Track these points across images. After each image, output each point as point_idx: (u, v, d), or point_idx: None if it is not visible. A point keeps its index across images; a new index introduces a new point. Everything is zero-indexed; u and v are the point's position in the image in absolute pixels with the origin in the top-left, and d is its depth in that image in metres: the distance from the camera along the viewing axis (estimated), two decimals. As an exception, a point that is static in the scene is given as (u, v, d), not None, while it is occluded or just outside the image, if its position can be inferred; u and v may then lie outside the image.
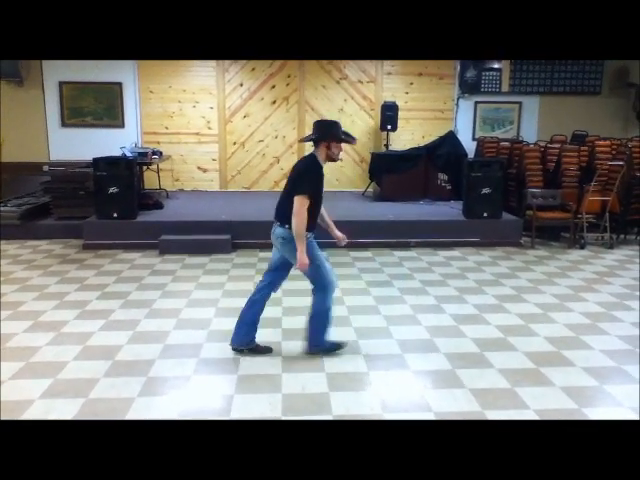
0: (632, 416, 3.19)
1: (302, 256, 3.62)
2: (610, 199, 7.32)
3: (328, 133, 3.68)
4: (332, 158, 3.77)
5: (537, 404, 3.30)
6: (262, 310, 3.97)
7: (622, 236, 7.74)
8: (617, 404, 3.33)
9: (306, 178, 3.66)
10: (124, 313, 4.76)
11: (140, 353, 3.98)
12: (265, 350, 3.98)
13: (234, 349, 3.97)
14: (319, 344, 3.93)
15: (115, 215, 7.08)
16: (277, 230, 3.79)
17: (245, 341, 3.95)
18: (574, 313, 4.85)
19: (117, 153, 8.15)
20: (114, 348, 4.05)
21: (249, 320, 3.94)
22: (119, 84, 9.55)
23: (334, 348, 3.98)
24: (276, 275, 3.97)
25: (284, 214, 3.70)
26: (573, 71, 10.09)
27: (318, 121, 3.85)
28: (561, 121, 9.87)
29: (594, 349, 4.10)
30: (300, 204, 3.58)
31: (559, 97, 10.12)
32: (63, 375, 3.63)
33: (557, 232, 7.71)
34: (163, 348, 4.07)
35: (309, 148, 10.87)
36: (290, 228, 3.65)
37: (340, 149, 3.77)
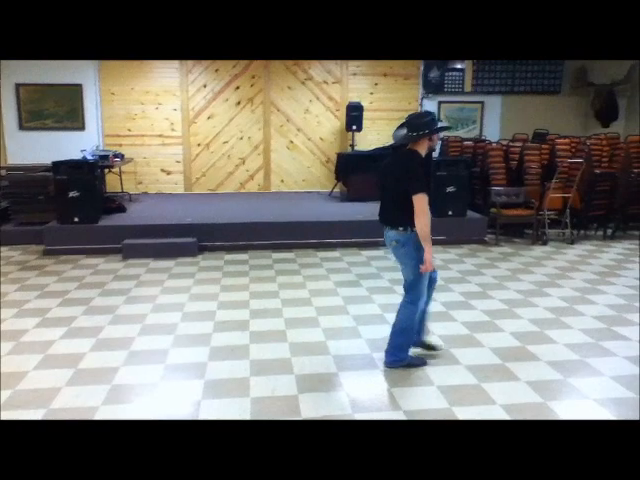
0: (597, 408, 3.26)
1: (429, 257, 3.46)
2: (571, 196, 7.49)
3: (431, 126, 3.55)
4: (432, 147, 3.71)
5: (504, 399, 3.34)
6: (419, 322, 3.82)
7: (582, 232, 7.93)
8: (582, 397, 3.40)
9: (419, 176, 3.50)
10: (87, 320, 4.64)
11: (104, 360, 3.88)
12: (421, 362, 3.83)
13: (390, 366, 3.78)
14: (401, 359, 3.76)
15: (76, 220, 6.91)
16: (389, 233, 3.66)
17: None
18: (538, 308, 4.93)
19: (78, 156, 7.95)
20: (77, 356, 3.94)
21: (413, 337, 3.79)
22: (79, 86, 9.34)
23: (415, 363, 3.79)
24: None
25: (395, 216, 3.59)
26: (534, 71, 10.30)
27: (414, 117, 3.62)
28: (523, 120, 10.06)
29: (558, 343, 4.18)
30: (422, 203, 3.43)
31: (520, 96, 10.32)
32: (23, 385, 3.51)
33: (521, 229, 7.85)
34: (128, 355, 3.98)
35: (276, 148, 10.82)
36: (404, 230, 3.55)
37: (437, 137, 3.76)
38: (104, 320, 4.62)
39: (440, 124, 3.74)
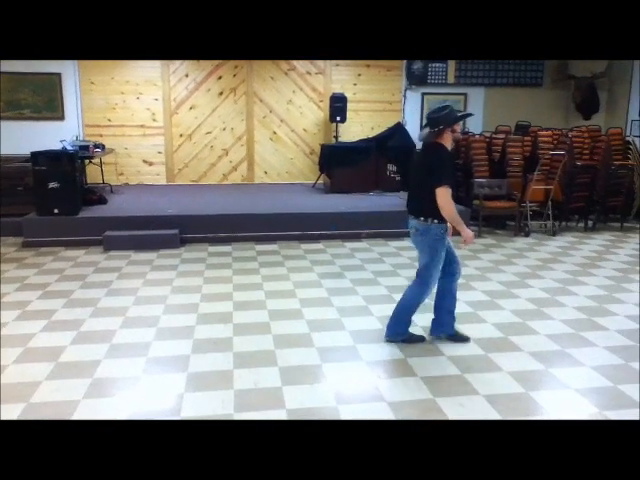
0: (578, 398, 3.29)
1: (466, 230, 3.75)
2: (552, 188, 7.56)
3: (449, 118, 3.69)
4: (456, 138, 3.86)
5: (486, 390, 3.36)
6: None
7: (564, 223, 8.01)
8: (563, 387, 3.44)
9: (444, 169, 3.69)
10: (67, 313, 4.58)
11: (85, 354, 3.83)
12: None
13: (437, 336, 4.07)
14: (401, 333, 4.00)
15: (56, 211, 6.80)
16: (412, 222, 3.87)
17: (448, 329, 4.07)
18: (520, 299, 4.97)
19: (57, 147, 7.82)
20: (57, 349, 3.88)
21: (447, 309, 4.06)
22: (58, 75, 9.16)
23: (413, 339, 4.03)
24: (447, 269, 3.95)
25: (418, 207, 3.79)
26: (516, 63, 10.33)
27: (432, 113, 3.78)
28: (505, 112, 10.10)
29: (540, 334, 4.22)
30: (443, 195, 3.62)
31: (503, 89, 10.35)
32: (3, 380, 3.45)
33: (503, 220, 7.91)
34: (109, 348, 3.93)
35: (259, 139, 10.73)
36: (425, 220, 3.74)
37: (459, 126, 3.84)
38: (85, 313, 4.57)
39: (461, 113, 3.84)
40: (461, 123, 3.91)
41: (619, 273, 5.77)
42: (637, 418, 3.06)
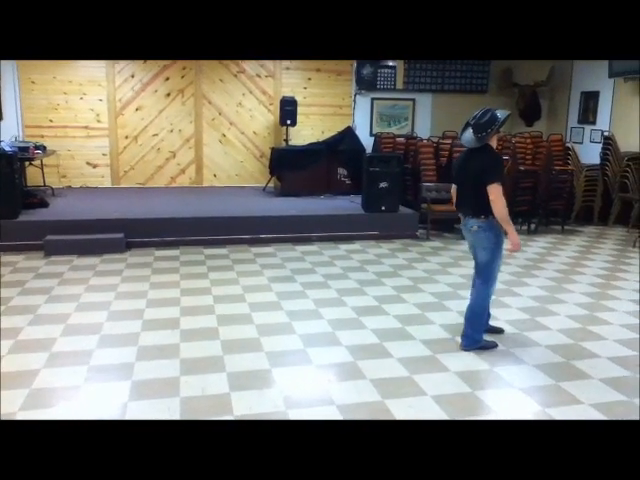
0: (521, 396, 3.37)
1: (514, 236, 3.84)
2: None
3: (496, 123, 3.84)
4: (499, 138, 3.98)
5: (434, 390, 3.40)
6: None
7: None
8: (508, 385, 3.51)
9: (497, 168, 3.88)
10: (5, 321, 4.36)
11: (23, 363, 3.66)
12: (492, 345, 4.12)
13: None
14: (477, 341, 4.02)
15: (-6, 214, 6.50)
16: (469, 221, 3.96)
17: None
18: (467, 301, 5.05)
19: (-5, 147, 7.48)
20: (-8, 360, 3.70)
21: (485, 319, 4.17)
22: (-5, 73, 8.79)
23: (490, 346, 4.05)
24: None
25: (475, 206, 3.90)
26: (462, 70, 10.59)
27: (477, 119, 3.85)
28: (452, 118, 10.29)
29: (485, 334, 4.30)
30: (497, 192, 3.76)
31: (450, 95, 10.59)
32: None
33: (450, 224, 8.05)
34: (49, 356, 3.77)
35: (208, 141, 10.60)
36: (486, 217, 3.85)
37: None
38: (23, 321, 4.37)
39: (500, 113, 3.91)
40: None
41: (560, 274, 5.96)
42: (578, 415, 3.16)
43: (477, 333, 4.04)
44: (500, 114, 3.91)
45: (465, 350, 4.00)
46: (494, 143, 3.97)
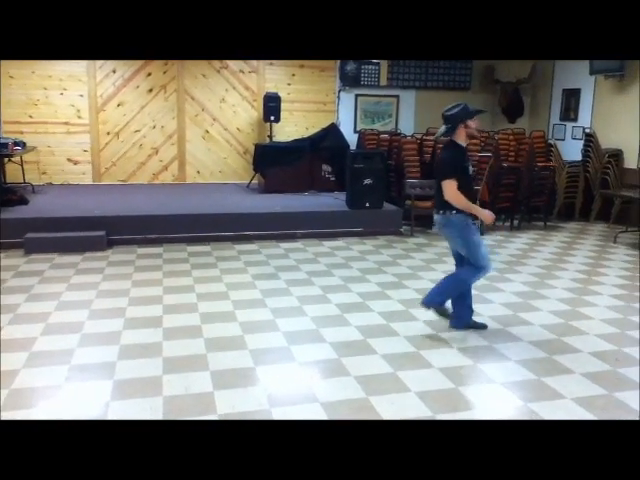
0: (503, 391, 3.39)
1: (482, 212, 3.99)
2: (480, 188, 7.79)
3: (462, 115, 3.88)
4: (472, 134, 4.01)
5: (418, 386, 3.41)
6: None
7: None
8: (490, 381, 3.53)
9: (449, 163, 3.93)
10: (-17, 320, 4.30)
11: (3, 363, 3.59)
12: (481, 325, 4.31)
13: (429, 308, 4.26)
14: (436, 302, 4.19)
15: (-29, 212, 6.39)
16: (435, 217, 4.14)
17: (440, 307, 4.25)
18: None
19: (-28, 144, 7.36)
20: (-30, 360, 3.63)
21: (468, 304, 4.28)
22: (-28, 68, 8.63)
23: (444, 314, 4.25)
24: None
25: (437, 201, 4.06)
26: (445, 67, 10.61)
27: (445, 111, 3.93)
28: (435, 114, 10.21)
29: (468, 330, 4.32)
30: (449, 188, 3.86)
31: (433, 92, 10.60)
32: None
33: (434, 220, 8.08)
34: (29, 356, 3.71)
35: (191, 138, 10.50)
36: (444, 214, 3.99)
37: (476, 124, 3.99)
38: (3, 320, 4.29)
39: (472, 108, 3.96)
40: (477, 119, 4.02)
41: (543, 270, 6.02)
42: (560, 409, 3.19)
43: (441, 296, 4.21)
44: (472, 110, 3.93)
45: (423, 305, 4.27)
46: (462, 140, 3.97)
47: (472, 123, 3.96)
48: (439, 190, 3.98)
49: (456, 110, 3.90)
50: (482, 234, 7.58)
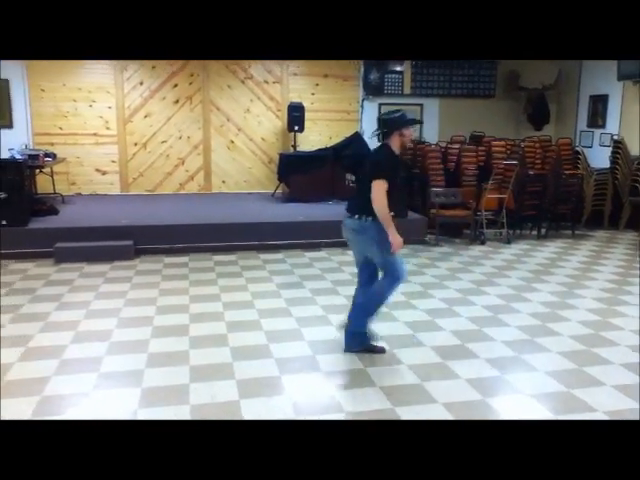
0: (532, 403, 3.34)
1: (395, 237, 3.64)
2: (506, 196, 7.73)
3: (397, 122, 3.73)
4: (404, 144, 3.86)
5: (445, 397, 3.37)
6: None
7: (518, 231, 8.19)
8: (518, 392, 3.48)
9: (382, 164, 3.71)
10: (15, 328, 4.39)
11: (33, 370, 3.67)
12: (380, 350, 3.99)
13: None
14: (357, 327, 3.91)
15: (4, 222, 6.53)
16: (346, 222, 3.84)
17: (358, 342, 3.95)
18: (476, 306, 5.04)
19: (5, 155, 7.55)
20: (4, 366, 3.70)
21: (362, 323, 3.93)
22: (6, 81, 8.86)
23: (368, 338, 3.95)
24: (370, 270, 3.94)
25: (354, 206, 3.80)
26: (469, 75, 10.56)
27: (383, 114, 3.92)
28: (459, 122, 10.29)
29: (495, 340, 4.27)
30: (378, 188, 3.60)
31: (457, 99, 10.56)
32: (-58, 401, 3.27)
33: (459, 229, 8.03)
34: (59, 364, 3.78)
35: (216, 148, 10.62)
36: (359, 219, 3.72)
37: (411, 134, 3.84)
38: (34, 328, 4.39)
39: (410, 117, 3.83)
40: (413, 130, 3.90)
41: (571, 280, 5.92)
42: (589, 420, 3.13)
43: (361, 318, 3.89)
44: (409, 118, 3.81)
45: (343, 330, 3.99)
46: (396, 147, 3.76)
47: (407, 132, 3.76)
48: (360, 192, 3.75)
49: (394, 116, 3.75)
50: (509, 242, 7.53)
